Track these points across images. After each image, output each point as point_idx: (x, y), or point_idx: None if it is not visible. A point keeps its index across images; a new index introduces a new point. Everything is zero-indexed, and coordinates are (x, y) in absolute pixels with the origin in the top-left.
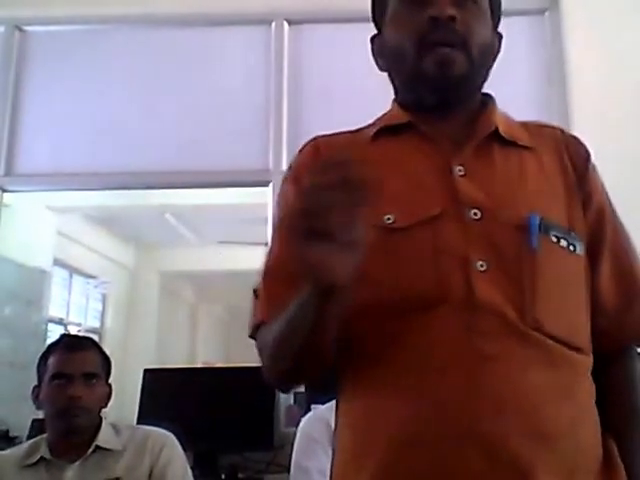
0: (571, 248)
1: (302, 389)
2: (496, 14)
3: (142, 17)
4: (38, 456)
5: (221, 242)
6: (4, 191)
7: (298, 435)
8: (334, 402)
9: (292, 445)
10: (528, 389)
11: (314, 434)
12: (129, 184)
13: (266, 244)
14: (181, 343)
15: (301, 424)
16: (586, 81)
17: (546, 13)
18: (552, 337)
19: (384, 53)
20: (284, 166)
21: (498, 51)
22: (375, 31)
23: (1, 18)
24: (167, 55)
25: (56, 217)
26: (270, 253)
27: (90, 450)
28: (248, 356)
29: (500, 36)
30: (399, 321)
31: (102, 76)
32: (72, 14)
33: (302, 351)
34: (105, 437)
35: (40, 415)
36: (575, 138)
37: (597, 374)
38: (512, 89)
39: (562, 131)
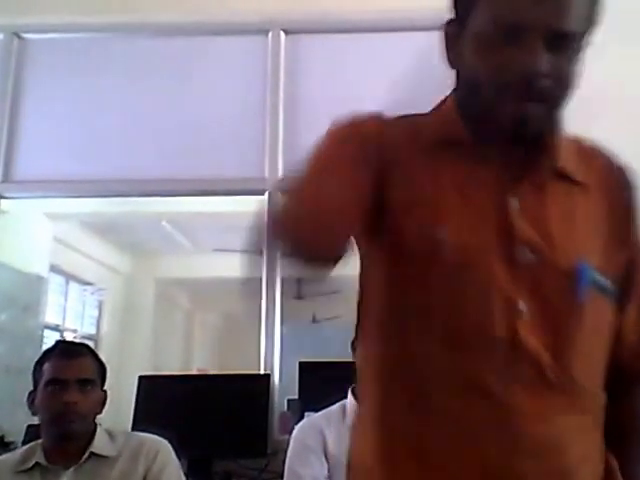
0: (609, 296)
1: (295, 397)
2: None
3: (140, 26)
4: (33, 462)
5: (216, 250)
6: (1, 197)
7: (292, 442)
8: (327, 410)
9: (286, 452)
10: (549, 432)
11: (308, 441)
12: (126, 191)
13: (261, 252)
14: (176, 350)
15: (295, 431)
16: (589, 87)
17: None
18: (579, 384)
19: (457, 58)
20: (280, 175)
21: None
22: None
23: (0, 25)
24: (164, 64)
25: (53, 224)
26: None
27: (85, 456)
28: (242, 363)
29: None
30: (436, 352)
31: (100, 84)
32: (71, 22)
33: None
34: (100, 443)
35: (35, 421)
36: (624, 170)
37: (610, 395)
38: None
39: (611, 160)
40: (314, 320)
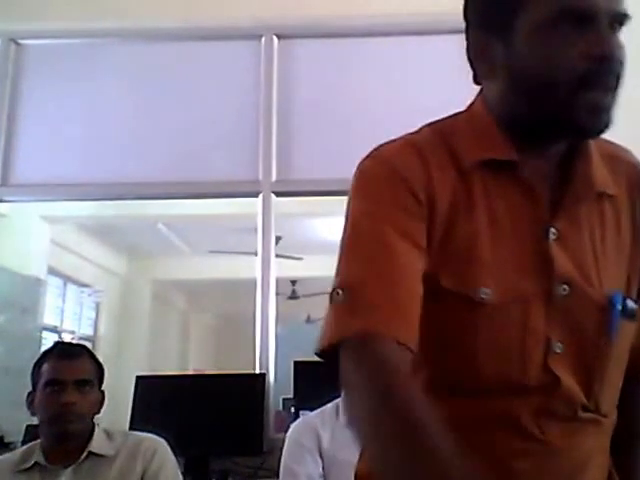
0: (633, 318)
1: (290, 396)
2: None
3: (135, 31)
4: (32, 461)
5: (212, 251)
6: (0, 201)
7: (287, 441)
8: (322, 409)
9: (281, 450)
10: (576, 458)
11: (302, 440)
12: (122, 194)
13: (255, 254)
14: (173, 350)
15: (290, 430)
16: None
17: None
18: (604, 414)
19: (503, 68)
20: (273, 177)
21: None
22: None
23: None
24: (159, 69)
25: (50, 227)
26: (371, 248)
27: (83, 456)
28: (238, 363)
29: None
30: (476, 398)
31: (96, 89)
32: (68, 28)
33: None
34: (98, 443)
35: (34, 421)
36: None
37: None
38: None
39: (633, 163)
40: (309, 320)
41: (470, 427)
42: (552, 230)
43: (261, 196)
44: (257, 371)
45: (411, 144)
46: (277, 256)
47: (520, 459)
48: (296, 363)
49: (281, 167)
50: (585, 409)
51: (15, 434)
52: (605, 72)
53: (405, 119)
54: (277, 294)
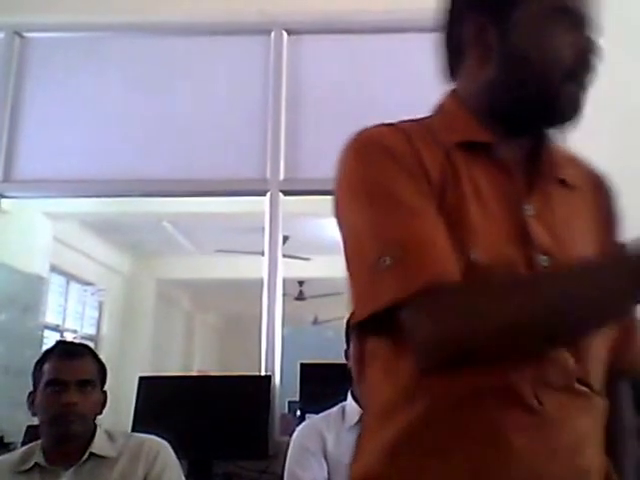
0: None
1: (296, 398)
2: None
3: (142, 26)
4: (32, 462)
5: (218, 251)
6: (2, 197)
7: (292, 445)
8: (328, 412)
9: (286, 454)
10: (574, 433)
11: (307, 444)
12: (127, 191)
13: (262, 253)
14: (177, 351)
15: (295, 434)
16: (593, 93)
17: None
18: (593, 387)
19: (496, 53)
20: (281, 176)
21: None
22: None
23: (1, 24)
24: (166, 64)
25: (53, 224)
26: (396, 218)
27: (84, 457)
28: (243, 365)
29: None
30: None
31: (101, 83)
32: (72, 21)
33: (559, 331)
34: (100, 444)
35: (35, 421)
36: (605, 178)
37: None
38: None
39: (592, 169)
40: (316, 322)
41: (470, 402)
42: (528, 207)
43: (269, 195)
44: (262, 373)
45: (394, 127)
46: (284, 256)
47: (520, 433)
48: (302, 365)
49: (289, 165)
50: (579, 381)
51: (15, 434)
52: (588, 68)
53: (416, 115)
54: (284, 295)
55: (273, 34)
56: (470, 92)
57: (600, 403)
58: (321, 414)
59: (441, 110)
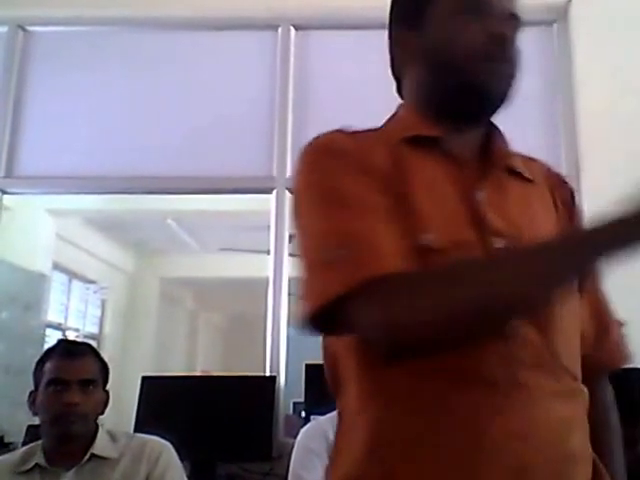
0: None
1: (301, 399)
2: None
3: (147, 20)
4: (33, 463)
5: (222, 249)
6: (4, 193)
7: (296, 446)
8: (333, 414)
9: (290, 455)
10: (553, 416)
11: (312, 445)
12: (130, 189)
13: (268, 252)
14: (180, 350)
15: (299, 435)
16: (593, 93)
17: (554, 25)
18: (567, 370)
19: (419, 54)
20: (288, 173)
21: None
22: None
23: (4, 18)
24: (171, 59)
25: (56, 221)
26: (340, 215)
27: (86, 458)
28: (247, 365)
29: None
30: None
31: (105, 79)
32: (76, 15)
33: (515, 308)
34: (101, 445)
35: (36, 421)
36: (561, 174)
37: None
38: (518, 99)
39: (549, 167)
40: None
41: (438, 389)
42: (480, 193)
43: (275, 192)
44: (267, 373)
45: (343, 132)
46: (290, 255)
47: (494, 417)
48: (307, 366)
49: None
50: (554, 362)
51: (16, 434)
52: (501, 46)
53: None
54: (289, 294)
55: (280, 29)
56: (412, 97)
57: (581, 390)
58: (326, 415)
59: (393, 117)
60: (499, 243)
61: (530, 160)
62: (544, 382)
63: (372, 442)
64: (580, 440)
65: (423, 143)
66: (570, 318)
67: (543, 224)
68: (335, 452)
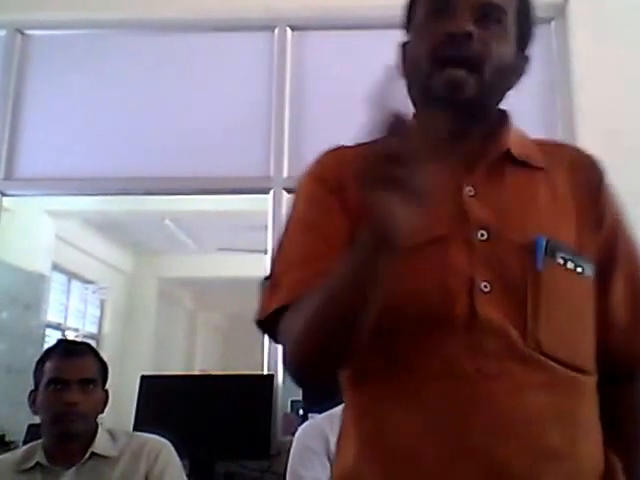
0: (578, 270)
1: (299, 397)
2: (526, 36)
3: (145, 22)
4: (34, 461)
5: (220, 249)
6: (4, 195)
7: (294, 444)
8: (331, 412)
9: (289, 453)
10: (526, 409)
11: (310, 443)
12: (129, 190)
13: (266, 252)
14: (179, 350)
15: (297, 433)
16: (592, 90)
17: (552, 22)
18: (554, 359)
19: (405, 63)
20: (285, 173)
21: (522, 73)
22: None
23: (3, 22)
24: (168, 60)
25: (55, 222)
26: (291, 242)
27: (86, 456)
28: (245, 364)
29: (527, 58)
30: (404, 339)
31: (103, 81)
32: (74, 18)
33: (342, 323)
34: (101, 443)
35: (36, 420)
36: (590, 157)
37: (607, 392)
38: (517, 96)
39: (578, 150)
40: None
41: (415, 389)
42: (468, 188)
43: (272, 192)
44: (265, 372)
45: (333, 152)
46: None
47: (465, 410)
48: None
49: (293, 163)
50: (524, 346)
51: (16, 433)
52: (451, 48)
53: None
54: None
55: (277, 30)
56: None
57: (570, 382)
58: (324, 413)
59: None
60: (482, 235)
61: (554, 146)
62: (516, 373)
63: (360, 445)
64: (563, 433)
65: None
66: (569, 305)
67: (544, 212)
68: (337, 448)
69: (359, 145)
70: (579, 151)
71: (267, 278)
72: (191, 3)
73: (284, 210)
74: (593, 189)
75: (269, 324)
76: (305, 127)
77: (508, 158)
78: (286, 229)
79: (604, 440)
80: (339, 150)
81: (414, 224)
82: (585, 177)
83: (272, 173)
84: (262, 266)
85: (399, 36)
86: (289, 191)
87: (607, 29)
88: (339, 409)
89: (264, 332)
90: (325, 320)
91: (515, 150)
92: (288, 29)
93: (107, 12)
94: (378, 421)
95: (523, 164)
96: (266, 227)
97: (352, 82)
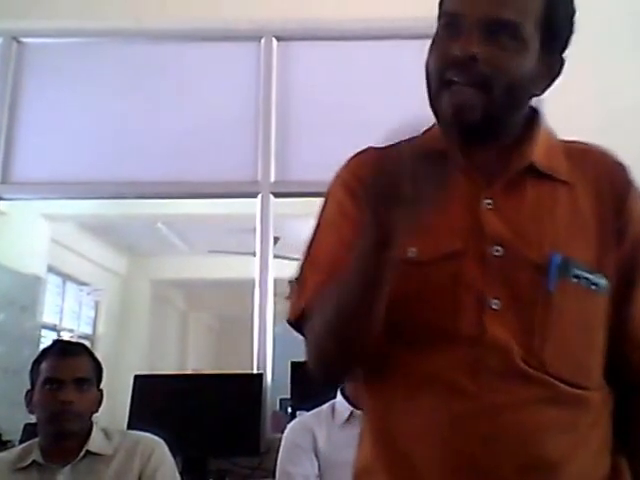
0: (592, 287)
1: (287, 395)
2: (557, 39)
3: (136, 31)
4: (30, 460)
5: (211, 251)
6: (0, 199)
7: (283, 442)
8: (318, 409)
9: (278, 450)
10: (524, 422)
11: (298, 441)
12: (122, 193)
13: (254, 254)
14: (171, 350)
15: (286, 431)
16: (578, 93)
17: None
18: (557, 378)
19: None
20: (272, 178)
21: (554, 76)
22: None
23: None
24: (159, 69)
25: (50, 225)
26: (317, 245)
27: (81, 454)
28: (237, 363)
29: (560, 59)
30: (410, 347)
31: (97, 88)
32: (69, 27)
33: (356, 318)
34: (96, 442)
35: (33, 419)
36: (618, 165)
37: (627, 404)
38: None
39: (606, 156)
40: None
41: (410, 393)
42: (486, 201)
43: (260, 197)
44: (255, 371)
45: (366, 151)
46: (275, 257)
47: (460, 422)
48: (293, 364)
49: (280, 168)
50: (528, 365)
51: (13, 432)
52: (455, 70)
53: (402, 122)
54: (275, 294)
55: (263, 41)
56: None
57: (573, 396)
58: (312, 411)
59: (429, 129)
60: (497, 251)
61: (582, 152)
62: (516, 389)
63: (369, 443)
64: (562, 447)
65: (435, 157)
66: (579, 323)
67: (563, 228)
68: (359, 443)
69: (386, 147)
70: (607, 157)
71: (296, 279)
72: (181, 14)
73: (271, 213)
74: (617, 199)
75: (300, 324)
76: (291, 134)
77: (531, 170)
78: (314, 232)
79: (625, 452)
80: (366, 153)
81: (412, 229)
82: (610, 186)
83: (260, 178)
84: (251, 268)
85: (381, 47)
86: (276, 195)
87: (590, 33)
88: (326, 407)
89: (297, 332)
90: (336, 319)
91: (540, 162)
92: (274, 39)
93: (100, 22)
94: (384, 423)
95: (546, 176)
96: (254, 230)
97: (336, 91)
